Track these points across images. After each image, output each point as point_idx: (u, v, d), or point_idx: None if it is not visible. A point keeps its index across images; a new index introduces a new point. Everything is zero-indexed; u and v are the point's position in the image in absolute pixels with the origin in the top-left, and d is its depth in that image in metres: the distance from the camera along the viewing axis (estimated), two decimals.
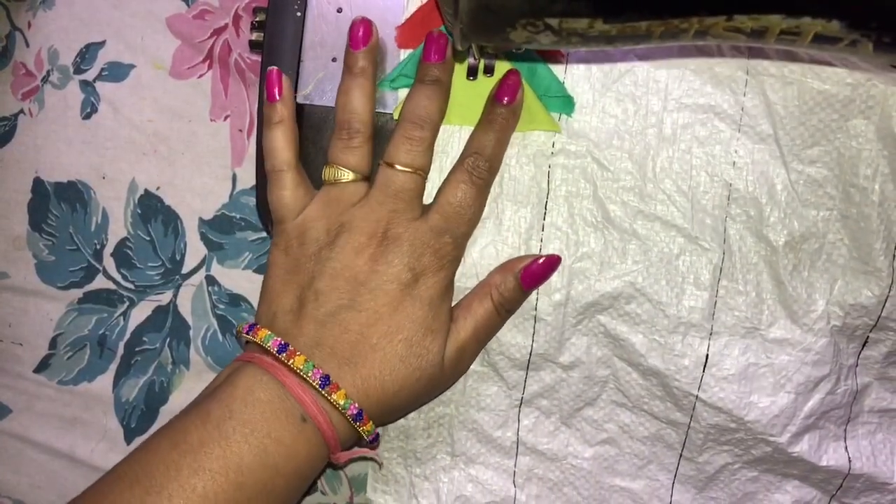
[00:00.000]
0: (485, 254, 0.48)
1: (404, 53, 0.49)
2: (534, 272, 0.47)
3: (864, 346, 0.49)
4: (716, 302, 0.48)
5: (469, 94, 0.48)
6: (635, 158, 0.48)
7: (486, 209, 0.48)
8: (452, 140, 0.49)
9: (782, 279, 0.48)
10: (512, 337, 0.49)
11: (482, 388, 0.50)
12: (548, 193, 0.48)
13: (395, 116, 0.49)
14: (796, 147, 0.47)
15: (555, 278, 0.48)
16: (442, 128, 0.49)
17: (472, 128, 0.48)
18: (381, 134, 0.49)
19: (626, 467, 0.51)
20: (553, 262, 0.48)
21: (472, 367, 0.50)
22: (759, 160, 0.47)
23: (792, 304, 0.48)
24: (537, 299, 0.48)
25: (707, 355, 0.48)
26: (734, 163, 0.48)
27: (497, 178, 0.48)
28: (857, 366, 0.49)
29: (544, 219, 0.48)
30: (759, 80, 0.47)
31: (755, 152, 0.47)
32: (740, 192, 0.48)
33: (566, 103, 0.48)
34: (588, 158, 0.48)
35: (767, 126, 0.47)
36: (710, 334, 0.48)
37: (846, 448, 0.50)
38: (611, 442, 0.51)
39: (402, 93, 0.49)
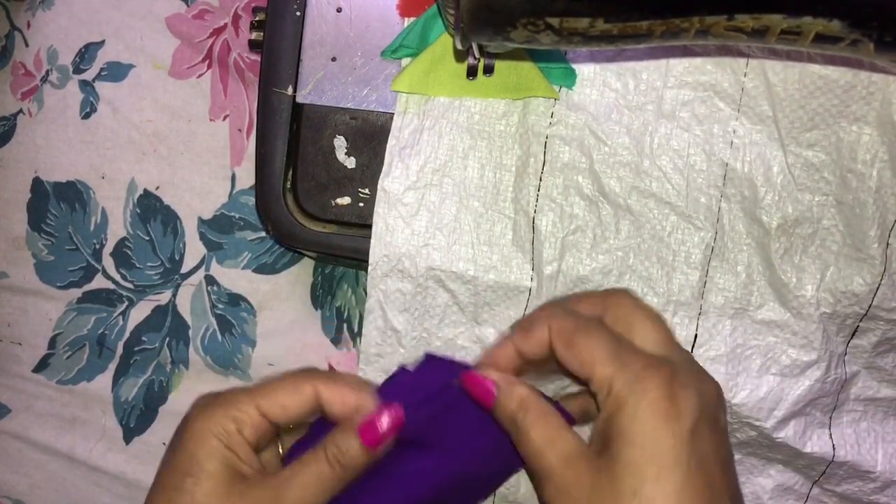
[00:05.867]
0: (481, 222, 0.48)
1: (407, 22, 0.49)
2: (373, 430, 0.40)
3: (853, 334, 0.49)
4: (706, 282, 0.48)
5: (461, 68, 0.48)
6: (633, 133, 0.48)
7: (482, 179, 0.48)
8: (452, 107, 0.49)
9: (773, 262, 0.48)
10: (505, 309, 0.49)
11: None
12: (543, 164, 0.48)
13: (395, 87, 0.49)
14: (795, 130, 0.47)
15: (547, 251, 0.48)
16: (441, 99, 0.48)
17: (467, 97, 0.48)
18: (381, 133, 0.49)
19: None
20: (398, 417, 0.40)
21: (460, 342, 0.50)
22: (757, 141, 0.47)
23: (781, 287, 0.48)
24: (532, 273, 0.48)
25: (696, 335, 0.48)
26: (732, 143, 0.48)
27: (492, 147, 0.48)
28: (845, 354, 0.49)
29: (539, 190, 0.48)
30: (761, 61, 0.47)
31: (753, 133, 0.47)
32: (736, 173, 0.48)
33: (567, 75, 0.48)
34: (586, 131, 0.48)
35: (767, 107, 0.47)
36: (700, 314, 0.48)
37: (831, 435, 0.50)
38: None
39: (405, 62, 0.49)
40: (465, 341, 0.50)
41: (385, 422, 0.40)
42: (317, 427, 0.42)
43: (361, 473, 0.40)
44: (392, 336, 0.49)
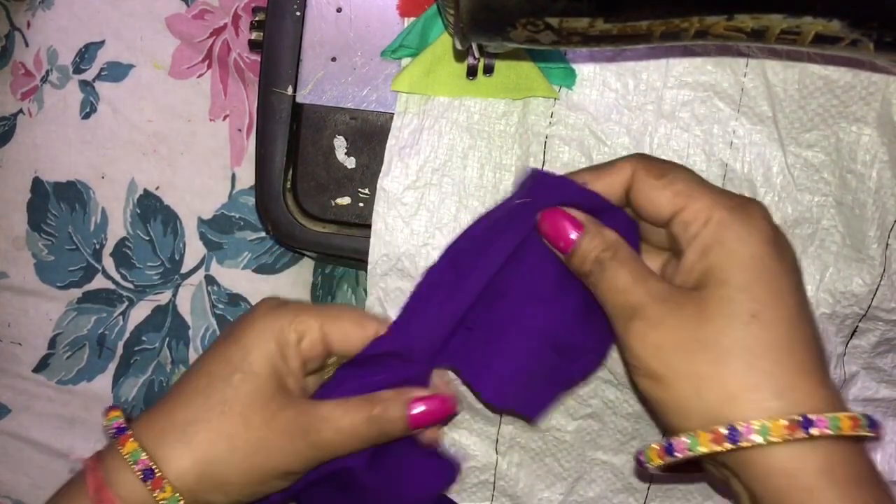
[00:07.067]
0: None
1: (407, 22, 0.49)
2: (422, 415, 0.41)
3: (852, 335, 0.49)
4: None
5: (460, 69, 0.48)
6: (633, 134, 0.48)
7: (482, 179, 0.48)
8: (452, 107, 0.49)
9: None
10: None
11: None
12: (543, 164, 0.48)
13: (395, 87, 0.48)
14: (795, 130, 0.47)
15: None
16: (441, 99, 0.48)
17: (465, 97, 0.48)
18: (381, 133, 0.49)
19: (609, 442, 0.51)
20: (447, 409, 0.42)
21: None
22: (756, 141, 0.47)
23: None
24: None
25: None
26: (731, 143, 0.48)
27: (492, 146, 0.48)
28: (844, 354, 0.49)
29: None
30: (761, 61, 0.47)
31: (753, 133, 0.47)
32: (736, 173, 0.48)
33: (567, 75, 0.48)
34: (586, 131, 0.48)
35: (767, 108, 0.47)
36: None
37: None
38: (594, 417, 0.50)
39: (405, 62, 0.49)
40: None
41: (432, 408, 0.41)
42: (343, 372, 0.42)
43: (395, 440, 0.41)
44: None
